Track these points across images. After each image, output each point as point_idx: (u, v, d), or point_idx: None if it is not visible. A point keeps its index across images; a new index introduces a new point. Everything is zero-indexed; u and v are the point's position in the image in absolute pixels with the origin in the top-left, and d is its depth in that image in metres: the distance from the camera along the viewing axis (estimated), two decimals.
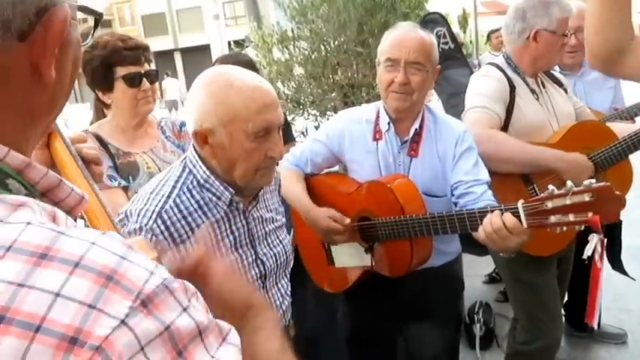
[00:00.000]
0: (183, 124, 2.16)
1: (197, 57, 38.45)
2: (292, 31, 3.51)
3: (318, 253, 2.07)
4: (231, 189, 1.35)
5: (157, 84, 2.07)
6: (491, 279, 4.06)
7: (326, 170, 2.15)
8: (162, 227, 1.28)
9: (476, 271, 4.03)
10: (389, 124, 1.92)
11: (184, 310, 0.52)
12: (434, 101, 3.49)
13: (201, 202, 1.35)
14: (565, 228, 1.53)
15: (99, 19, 0.70)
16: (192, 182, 1.36)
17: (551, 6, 2.17)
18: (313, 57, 3.40)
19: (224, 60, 2.83)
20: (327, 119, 3.67)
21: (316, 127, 3.69)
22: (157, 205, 1.30)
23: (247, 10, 6.32)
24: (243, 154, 1.29)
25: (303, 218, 1.99)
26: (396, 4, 3.39)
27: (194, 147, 1.37)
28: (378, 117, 1.96)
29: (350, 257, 1.99)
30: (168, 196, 1.32)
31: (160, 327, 0.48)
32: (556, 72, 2.53)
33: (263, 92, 1.29)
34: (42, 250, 0.48)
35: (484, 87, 2.22)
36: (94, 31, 0.71)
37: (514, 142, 2.10)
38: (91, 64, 1.93)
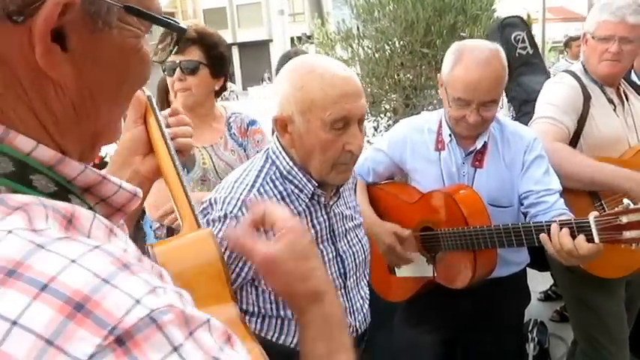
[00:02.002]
0: (251, 123, 2.09)
1: (254, 52, 39.15)
2: (357, 29, 3.47)
3: (379, 261, 2.04)
4: (314, 181, 1.33)
5: (198, 76, 1.92)
6: (547, 296, 3.89)
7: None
8: (247, 215, 1.28)
9: (531, 286, 3.84)
10: (450, 135, 1.87)
11: (175, 350, 0.41)
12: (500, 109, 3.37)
13: (284, 194, 1.33)
14: None
15: (177, 32, 0.61)
16: (275, 173, 1.35)
17: (604, 8, 2.06)
18: (377, 56, 3.35)
19: (287, 56, 2.83)
20: (387, 120, 3.62)
21: (375, 128, 3.64)
22: (241, 194, 1.29)
23: (310, 6, 6.33)
24: (319, 144, 1.26)
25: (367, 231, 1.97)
26: (466, 6, 3.29)
27: (277, 137, 1.36)
28: (440, 127, 1.91)
29: (411, 267, 1.95)
30: (252, 185, 1.31)
31: None
32: None
33: (345, 80, 1.25)
34: (11, 266, 0.40)
35: (555, 96, 2.12)
36: (172, 46, 0.63)
37: (580, 158, 1.99)
38: None
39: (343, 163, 1.30)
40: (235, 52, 40.20)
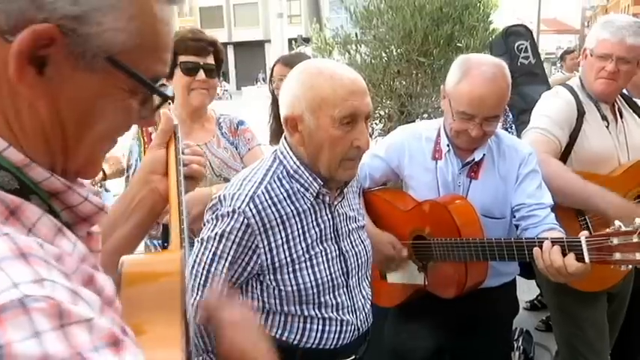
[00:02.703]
0: (240, 123, 2.19)
1: (249, 52, 39.07)
2: (356, 36, 3.50)
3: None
4: (320, 180, 1.39)
5: (216, 80, 2.08)
6: (533, 306, 3.95)
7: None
8: (254, 211, 1.34)
9: (518, 296, 3.88)
10: (448, 146, 1.90)
11: (35, 335, 0.44)
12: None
13: (290, 192, 1.40)
14: (630, 266, 1.49)
15: (162, 98, 0.65)
16: (282, 172, 1.42)
17: (605, 26, 2.09)
18: (374, 63, 3.38)
19: (287, 59, 2.84)
20: (382, 126, 3.65)
21: (370, 135, 3.66)
22: (249, 190, 1.36)
23: (308, 10, 6.36)
24: (329, 140, 1.33)
25: None
26: (463, 17, 3.33)
27: (285, 137, 1.43)
28: (438, 136, 1.94)
29: (403, 274, 1.97)
30: (260, 183, 1.38)
31: None
32: None
33: (352, 80, 1.34)
34: None
35: (550, 108, 2.15)
36: (157, 106, 0.66)
37: (567, 174, 2.02)
38: None
39: (351, 158, 1.37)
40: (230, 52, 40.10)
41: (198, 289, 1.35)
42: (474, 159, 1.87)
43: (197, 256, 1.37)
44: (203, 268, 1.35)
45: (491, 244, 1.70)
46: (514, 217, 1.85)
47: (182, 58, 1.98)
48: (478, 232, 1.78)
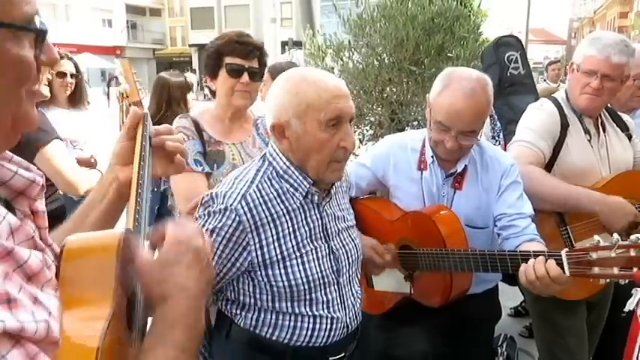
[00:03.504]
0: None
1: None
2: (349, 43, 3.55)
3: None
4: (309, 179, 1.44)
5: (259, 83, 2.13)
6: (517, 312, 4.01)
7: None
8: (246, 209, 1.39)
9: (502, 302, 3.91)
10: (432, 157, 1.93)
11: None
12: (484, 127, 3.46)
13: (280, 191, 1.45)
14: (608, 280, 1.54)
15: (37, 33, 0.68)
16: (271, 173, 1.47)
17: (593, 42, 2.11)
18: (366, 70, 3.43)
19: (276, 68, 2.90)
20: (373, 133, 3.69)
21: (360, 140, 3.71)
22: (241, 189, 1.41)
23: (302, 15, 6.40)
24: (317, 144, 1.38)
25: None
26: (454, 28, 3.39)
27: (273, 142, 1.48)
28: (423, 147, 1.97)
29: (389, 283, 2.00)
30: (252, 182, 1.44)
31: None
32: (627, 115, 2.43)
33: (334, 84, 1.41)
34: None
35: (534, 121, 2.20)
36: (37, 43, 0.69)
37: (550, 179, 2.07)
38: (207, 51, 2.08)
39: (338, 160, 1.42)
40: None
41: None
42: (456, 170, 1.91)
43: None
44: None
45: (475, 255, 1.74)
46: (496, 226, 1.89)
47: (228, 60, 2.03)
48: (463, 242, 1.81)
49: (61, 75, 3.20)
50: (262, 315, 1.46)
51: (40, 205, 0.76)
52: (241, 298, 1.47)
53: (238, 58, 2.03)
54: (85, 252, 0.75)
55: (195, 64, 43.32)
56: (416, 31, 3.22)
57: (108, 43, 39.13)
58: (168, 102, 3.61)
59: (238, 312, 1.49)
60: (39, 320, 0.59)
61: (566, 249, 1.57)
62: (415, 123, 3.53)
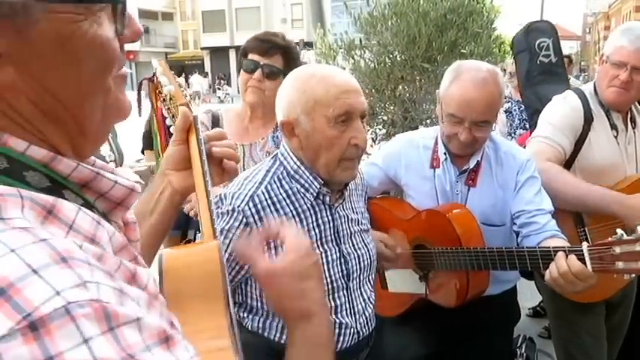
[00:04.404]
0: None
1: None
2: (360, 41, 3.51)
3: None
4: (320, 179, 1.40)
5: (276, 82, 1.98)
6: (536, 312, 3.93)
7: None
8: (254, 210, 1.35)
9: (521, 302, 3.85)
10: (445, 154, 1.89)
11: (85, 341, 0.43)
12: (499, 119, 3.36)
13: (290, 192, 1.41)
14: (633, 275, 1.49)
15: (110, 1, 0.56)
16: (282, 173, 1.43)
17: (625, 33, 2.02)
18: (378, 68, 3.39)
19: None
20: (386, 132, 3.65)
21: (373, 139, 3.67)
22: (249, 190, 1.38)
23: (312, 14, 6.38)
24: (326, 141, 1.34)
25: None
26: (467, 24, 3.34)
27: (284, 141, 1.45)
28: (436, 144, 1.93)
29: (404, 283, 1.96)
30: (260, 183, 1.40)
31: (40, 356, 0.41)
32: None
33: (344, 79, 1.37)
34: None
35: (555, 114, 2.11)
36: (117, 16, 0.57)
37: (569, 177, 1.99)
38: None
39: (349, 158, 1.37)
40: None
41: None
42: (469, 166, 1.86)
43: None
44: None
45: (492, 253, 1.69)
46: (514, 224, 1.84)
47: (249, 57, 2.04)
48: (478, 240, 1.77)
49: None
50: (270, 319, 1.42)
51: (132, 215, 0.67)
52: (249, 301, 1.44)
53: (257, 54, 2.02)
54: (188, 268, 0.71)
55: (207, 67, 43.67)
56: (428, 27, 3.17)
57: None
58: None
59: (246, 315, 1.46)
60: (193, 356, 0.51)
61: (587, 243, 1.51)
62: (428, 121, 3.48)
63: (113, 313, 0.45)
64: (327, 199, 1.44)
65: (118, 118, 0.62)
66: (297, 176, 1.41)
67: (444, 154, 1.89)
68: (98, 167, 0.60)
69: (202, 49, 45.21)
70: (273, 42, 2.03)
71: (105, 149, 2.82)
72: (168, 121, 1.19)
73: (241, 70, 2.07)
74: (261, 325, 1.43)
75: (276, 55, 2.03)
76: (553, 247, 1.57)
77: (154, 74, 1.19)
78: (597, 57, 2.20)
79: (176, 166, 1.04)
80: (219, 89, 30.90)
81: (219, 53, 43.31)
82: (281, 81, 2.04)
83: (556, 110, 2.13)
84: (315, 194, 1.41)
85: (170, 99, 1.15)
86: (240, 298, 1.46)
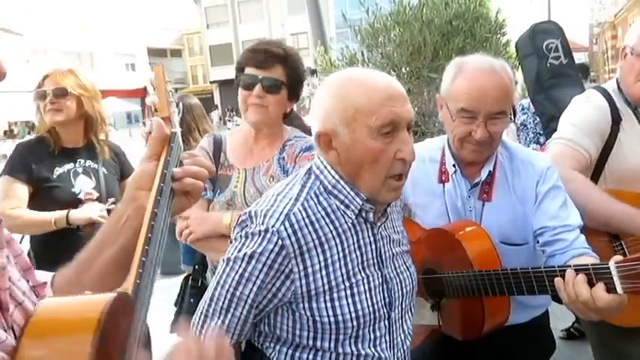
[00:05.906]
0: (307, 149, 1.89)
1: None
2: (362, 54, 3.37)
3: None
4: (362, 194, 1.25)
5: (280, 96, 1.81)
6: (570, 335, 3.64)
7: None
8: (290, 230, 1.20)
9: (551, 324, 3.58)
10: (455, 166, 1.68)
11: None
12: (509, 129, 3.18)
13: (329, 210, 1.26)
14: None
15: None
16: (318, 188, 1.27)
17: None
18: None
19: None
20: None
21: None
22: (285, 207, 1.23)
23: (313, 36, 6.31)
24: (369, 155, 1.19)
25: None
26: (475, 29, 3.18)
27: (320, 155, 1.30)
28: (443, 156, 1.72)
29: (415, 314, 1.74)
30: (297, 199, 1.24)
31: None
32: None
33: (388, 83, 1.21)
34: None
35: (578, 115, 1.91)
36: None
37: (596, 193, 1.76)
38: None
39: (395, 175, 1.22)
40: None
41: (220, 313, 1.23)
42: (481, 178, 1.66)
43: (221, 277, 1.23)
44: (227, 291, 1.22)
45: (506, 274, 1.47)
46: (537, 242, 1.62)
47: (245, 71, 1.81)
48: (494, 262, 1.54)
49: None
50: (299, 352, 1.28)
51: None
52: (278, 332, 1.28)
53: (253, 67, 1.79)
54: (55, 330, 0.60)
55: (217, 100, 44.32)
56: (433, 36, 3.03)
57: (132, 86, 40.41)
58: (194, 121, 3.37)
59: (272, 345, 1.31)
60: None
61: (618, 257, 1.28)
62: (440, 135, 3.30)
63: None
64: (370, 216, 1.28)
65: None
66: (335, 191, 1.26)
67: (453, 165, 1.68)
68: None
69: (211, 82, 45.98)
70: (269, 52, 1.80)
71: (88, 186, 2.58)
72: None
73: (239, 88, 1.83)
74: (289, 357, 1.29)
75: (276, 65, 1.79)
76: (574, 265, 1.34)
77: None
78: (607, 67, 2.00)
79: (148, 185, 0.89)
80: (229, 121, 31.33)
81: (227, 85, 43.98)
82: (284, 94, 1.85)
83: (580, 111, 1.94)
84: (356, 211, 1.26)
85: (155, 110, 1.01)
86: (267, 328, 1.30)
